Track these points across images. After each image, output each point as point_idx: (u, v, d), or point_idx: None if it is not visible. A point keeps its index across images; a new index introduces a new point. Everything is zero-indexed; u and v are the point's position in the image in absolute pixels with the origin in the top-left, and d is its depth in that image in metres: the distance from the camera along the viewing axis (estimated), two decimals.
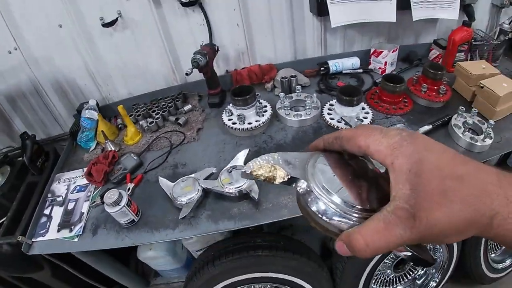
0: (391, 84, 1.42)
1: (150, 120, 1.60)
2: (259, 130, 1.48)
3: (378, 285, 1.68)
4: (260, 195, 1.15)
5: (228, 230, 1.13)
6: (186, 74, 1.41)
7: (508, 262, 1.88)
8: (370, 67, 1.78)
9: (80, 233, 1.25)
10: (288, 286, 1.43)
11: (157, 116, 1.60)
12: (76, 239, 1.25)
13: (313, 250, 1.47)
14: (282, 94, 1.56)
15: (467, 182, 0.30)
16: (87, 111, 1.60)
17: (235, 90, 1.48)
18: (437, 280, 1.73)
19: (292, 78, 1.64)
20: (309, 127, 1.48)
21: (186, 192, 1.19)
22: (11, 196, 1.49)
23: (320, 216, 0.34)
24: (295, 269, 1.35)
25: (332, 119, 1.46)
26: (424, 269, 1.73)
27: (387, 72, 1.71)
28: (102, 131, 1.51)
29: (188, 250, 1.69)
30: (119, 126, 1.67)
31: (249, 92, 1.45)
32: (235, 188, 1.15)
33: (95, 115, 1.59)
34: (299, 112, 1.50)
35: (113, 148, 1.49)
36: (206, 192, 1.22)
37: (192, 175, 1.26)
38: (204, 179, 1.24)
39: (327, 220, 0.33)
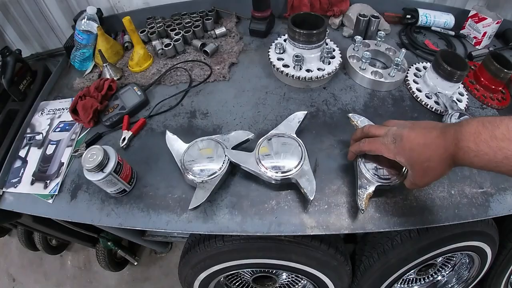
0: (499, 66, 1.01)
1: (166, 41, 1.14)
2: (319, 82, 1.03)
3: (399, 284, 1.40)
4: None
5: (258, 235, 0.73)
6: None
7: None
8: (463, 31, 1.30)
9: (56, 192, 0.90)
10: (305, 276, 1.12)
11: (176, 36, 1.13)
12: (50, 200, 0.89)
13: (342, 239, 1.15)
14: (358, 38, 1.08)
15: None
16: (83, 21, 1.16)
17: (296, 17, 0.98)
18: None
19: (374, 20, 1.13)
20: (387, 93, 1.02)
21: (204, 160, 0.78)
22: None
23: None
24: (319, 261, 1.02)
25: (419, 90, 1.02)
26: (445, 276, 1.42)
27: (483, 44, 1.26)
28: (100, 51, 1.08)
29: None
30: (126, 44, 1.22)
31: (317, 25, 0.96)
32: (279, 174, 0.74)
33: (94, 27, 1.15)
34: (378, 70, 1.02)
35: (112, 75, 1.06)
36: (233, 166, 0.81)
37: (217, 137, 0.83)
38: (233, 147, 0.81)
39: None
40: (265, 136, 0.81)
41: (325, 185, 0.80)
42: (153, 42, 1.15)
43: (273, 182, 0.75)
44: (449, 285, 1.42)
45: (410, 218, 0.75)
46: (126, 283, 1.81)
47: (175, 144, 0.83)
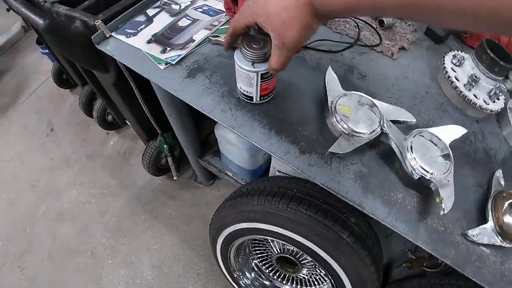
0: None
1: None
2: (477, 113, 0.89)
3: None
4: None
5: (374, 217, 0.63)
6: None
7: None
8: None
9: (173, 62, 0.81)
10: (330, 276, 1.01)
11: None
12: (162, 66, 0.81)
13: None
14: None
15: None
16: None
17: (490, 43, 0.85)
18: None
19: None
20: None
21: (358, 116, 0.66)
22: None
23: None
24: (359, 272, 0.92)
25: None
26: None
27: None
28: None
29: (269, 158, 1.27)
30: None
31: (509, 61, 0.83)
32: (423, 169, 0.65)
33: None
34: None
35: None
36: (375, 141, 0.70)
37: (377, 102, 0.71)
38: (391, 120, 0.69)
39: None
40: (420, 129, 0.70)
41: (449, 209, 0.68)
42: None
43: (412, 175, 0.65)
44: None
45: (498, 283, 0.65)
46: (152, 190, 1.76)
47: (333, 84, 0.72)
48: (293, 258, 1.12)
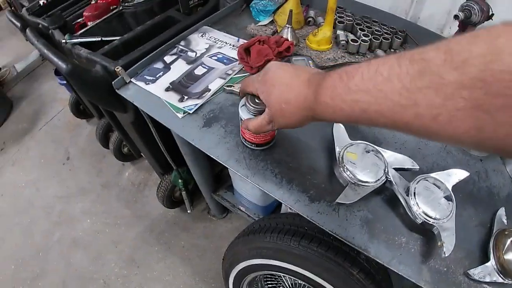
0: None
1: (352, 36, 1.09)
2: (480, 153, 0.94)
3: None
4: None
5: (379, 260, 0.67)
6: (455, 17, 0.92)
7: None
8: None
9: (191, 111, 0.87)
10: None
11: (365, 37, 1.07)
12: (180, 115, 0.87)
13: None
14: None
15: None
16: None
17: None
18: None
19: None
20: None
21: (364, 165, 0.71)
22: (142, 20, 1.17)
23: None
24: None
25: None
26: None
27: None
28: (291, 11, 1.04)
29: None
30: (309, 19, 1.19)
31: None
32: (425, 215, 0.68)
33: None
34: None
35: (290, 38, 1.03)
36: (382, 188, 0.74)
37: (383, 151, 0.76)
38: (394, 168, 0.74)
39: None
40: (424, 176, 0.74)
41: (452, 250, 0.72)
42: (338, 31, 1.10)
43: (415, 219, 0.69)
44: None
45: None
46: (166, 222, 1.80)
47: (341, 134, 0.77)
48: None
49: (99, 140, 1.90)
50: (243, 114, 0.69)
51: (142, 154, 1.75)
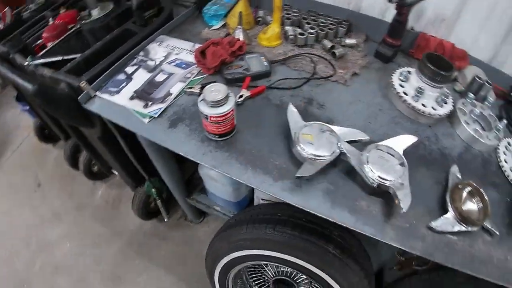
0: None
1: (299, 31, 1.16)
2: (428, 120, 1.02)
3: None
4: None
5: (344, 224, 0.75)
6: (390, 1, 1.04)
7: None
8: None
9: (156, 115, 0.91)
10: (320, 285, 1.09)
11: (312, 30, 1.15)
12: (146, 120, 0.91)
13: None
14: (471, 95, 1.08)
15: None
16: None
17: (430, 56, 1.00)
18: None
19: (487, 85, 1.13)
20: (479, 153, 1.01)
21: (318, 142, 0.78)
22: (100, 36, 1.20)
23: None
24: (351, 283, 1.00)
25: (506, 162, 0.99)
26: None
27: None
28: (240, 13, 1.11)
29: (253, 189, 1.34)
30: (258, 19, 1.26)
31: (447, 69, 0.98)
32: (380, 178, 0.75)
33: None
34: (477, 129, 1.00)
35: (241, 38, 1.09)
36: (337, 158, 0.82)
37: (334, 127, 0.83)
38: (346, 141, 0.82)
39: None
40: (375, 144, 0.82)
41: (411, 207, 0.79)
42: (286, 27, 1.18)
43: (370, 184, 0.76)
44: None
45: (470, 264, 0.75)
46: (144, 234, 1.81)
47: (295, 117, 0.84)
48: (289, 279, 1.19)
49: (68, 162, 1.88)
50: (203, 108, 0.74)
51: (113, 169, 1.76)
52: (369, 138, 0.85)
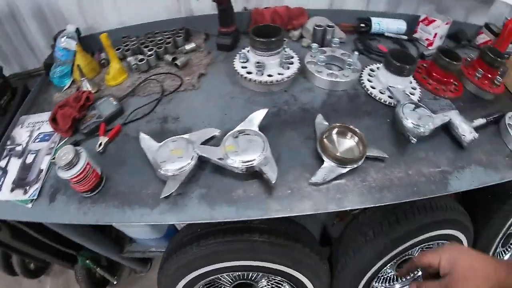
0: (447, 60, 1.13)
1: (140, 57, 1.23)
2: (280, 86, 1.14)
3: (379, 282, 1.44)
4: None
5: (227, 219, 0.81)
6: None
7: None
8: (415, 35, 1.48)
9: (35, 197, 0.95)
10: (282, 277, 1.17)
11: (150, 52, 1.23)
12: (29, 205, 0.94)
13: (316, 239, 1.22)
14: (314, 45, 1.22)
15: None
16: (63, 39, 1.23)
17: (257, 29, 1.11)
18: None
19: (329, 29, 1.27)
20: (343, 92, 1.15)
21: (175, 158, 0.86)
22: None
23: None
24: (294, 260, 1.08)
25: (373, 87, 1.15)
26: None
27: (435, 45, 1.44)
28: (78, 66, 1.16)
29: None
30: (102, 61, 1.31)
31: (275, 34, 1.09)
32: (243, 162, 0.82)
33: (72, 44, 1.23)
34: (333, 72, 1.14)
35: (89, 88, 1.14)
36: (202, 162, 0.89)
37: (186, 136, 0.92)
38: (201, 144, 0.90)
39: None
40: (229, 133, 0.89)
41: (288, 173, 0.87)
42: (128, 59, 1.24)
43: (239, 171, 0.83)
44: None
45: (370, 197, 0.83)
46: None
47: (148, 143, 0.91)
48: (247, 281, 1.24)
49: (3, 270, 1.82)
50: (60, 173, 0.79)
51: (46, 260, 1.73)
52: (220, 131, 0.93)
